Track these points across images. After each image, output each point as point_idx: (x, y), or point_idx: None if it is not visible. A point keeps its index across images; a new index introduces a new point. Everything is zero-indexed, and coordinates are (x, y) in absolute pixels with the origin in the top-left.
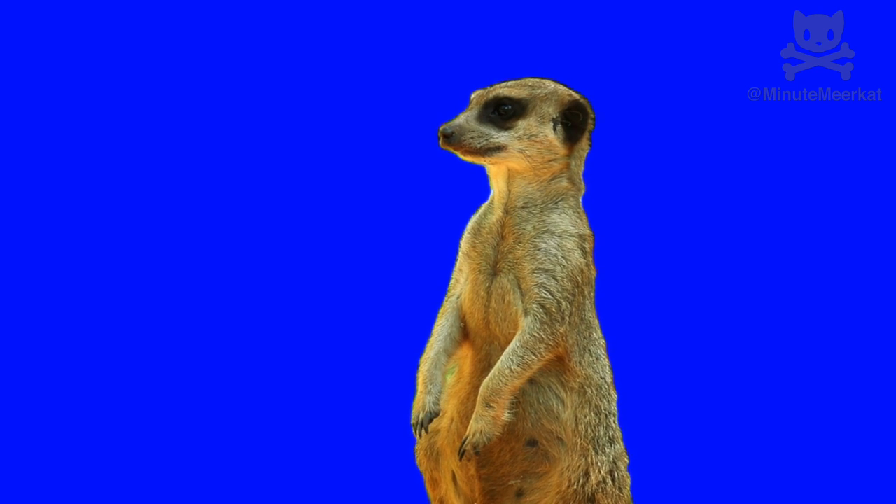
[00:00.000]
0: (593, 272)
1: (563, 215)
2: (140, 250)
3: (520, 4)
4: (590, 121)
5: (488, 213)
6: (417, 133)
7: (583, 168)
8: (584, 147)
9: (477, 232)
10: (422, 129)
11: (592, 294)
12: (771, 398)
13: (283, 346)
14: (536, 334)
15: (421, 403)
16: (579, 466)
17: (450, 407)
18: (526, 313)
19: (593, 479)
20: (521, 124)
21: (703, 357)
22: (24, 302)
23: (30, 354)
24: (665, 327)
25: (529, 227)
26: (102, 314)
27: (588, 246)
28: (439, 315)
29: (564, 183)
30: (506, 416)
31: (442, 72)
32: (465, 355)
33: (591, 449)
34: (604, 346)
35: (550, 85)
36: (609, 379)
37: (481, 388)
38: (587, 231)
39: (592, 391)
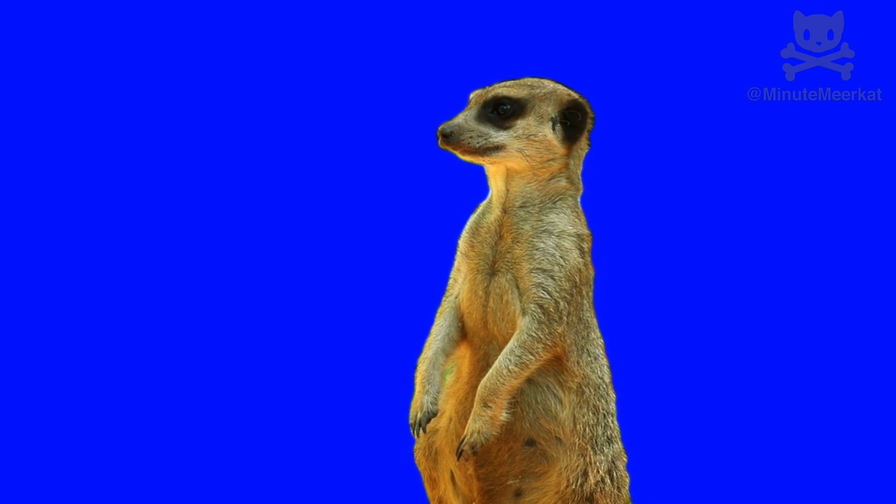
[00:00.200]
0: (591, 272)
1: (562, 215)
2: (139, 250)
3: (520, 4)
4: (588, 120)
5: (486, 213)
6: (417, 133)
7: (581, 168)
8: (582, 147)
9: (475, 231)
10: (421, 128)
11: (591, 294)
12: (770, 397)
13: (282, 346)
14: (534, 334)
15: (419, 403)
16: (577, 466)
17: (448, 406)
18: (524, 313)
19: (592, 479)
20: (520, 124)
21: (702, 357)
22: (24, 302)
23: (29, 354)
24: (664, 327)
25: (528, 227)
26: (102, 314)
27: (586, 246)
28: (438, 315)
29: (563, 182)
30: (503, 415)
31: (442, 72)
32: (464, 355)
33: (589, 449)
34: (602, 345)
35: (549, 84)
36: (607, 379)
37: (479, 387)
38: (585, 231)
39: (590, 391)
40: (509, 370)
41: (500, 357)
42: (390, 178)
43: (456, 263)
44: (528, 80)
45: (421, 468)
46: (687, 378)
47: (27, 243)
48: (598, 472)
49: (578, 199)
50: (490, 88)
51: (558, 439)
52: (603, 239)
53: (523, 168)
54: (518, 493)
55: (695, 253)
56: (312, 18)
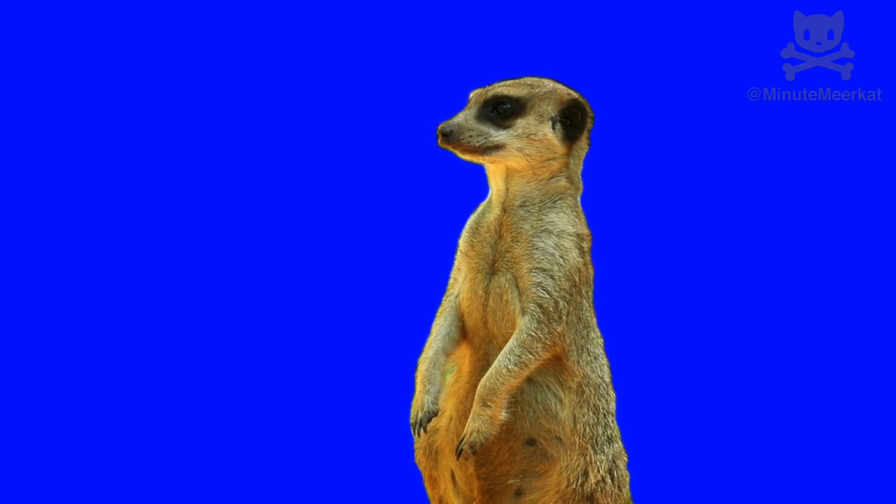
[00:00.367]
0: (591, 271)
1: (562, 214)
2: (138, 249)
3: (520, 4)
4: (588, 120)
5: (486, 212)
6: (417, 132)
7: (581, 167)
8: (582, 146)
9: (475, 231)
10: (422, 128)
11: (590, 293)
12: (770, 396)
13: (282, 346)
14: (533, 333)
15: (419, 402)
16: (578, 466)
17: (449, 406)
18: (523, 312)
19: (592, 478)
20: (520, 123)
21: (702, 356)
22: (24, 302)
23: (29, 354)
24: (664, 327)
25: (527, 226)
26: (102, 314)
27: (586, 245)
28: (438, 314)
29: (563, 182)
30: (503, 415)
31: (442, 72)
32: (464, 354)
33: (589, 448)
34: (602, 345)
35: (549, 84)
36: (607, 378)
37: (478, 387)
38: (585, 230)
39: (590, 390)
40: (508, 370)
41: (500, 357)
42: (391, 177)
43: (456, 263)
44: (528, 80)
45: (421, 467)
46: (687, 377)
47: (27, 243)
48: (598, 471)
49: (578, 199)
50: (490, 87)
51: (558, 439)
52: (603, 239)
53: (523, 167)
54: (519, 493)
55: (695, 253)
56: (312, 18)
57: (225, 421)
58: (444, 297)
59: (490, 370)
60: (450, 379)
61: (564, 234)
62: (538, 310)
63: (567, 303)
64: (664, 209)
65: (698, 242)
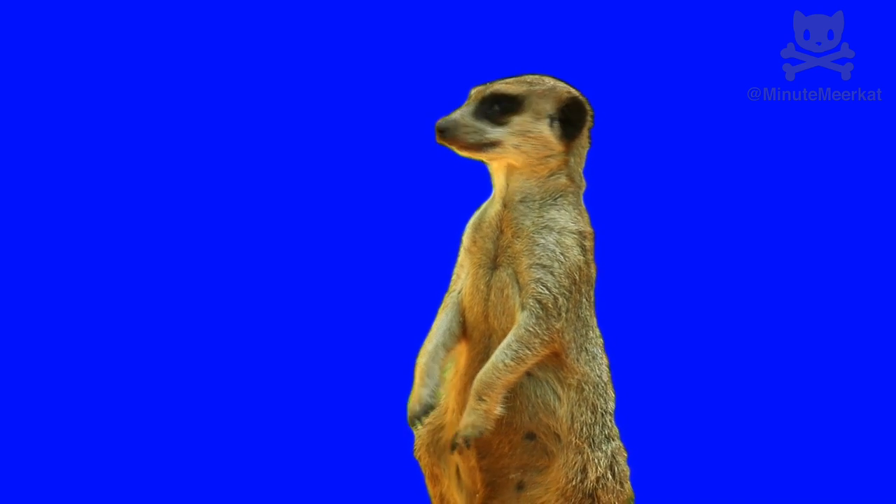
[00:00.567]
0: (593, 270)
1: (563, 212)
2: (138, 249)
3: (520, 4)
4: (588, 118)
5: (489, 208)
6: (418, 130)
7: (583, 165)
8: (583, 144)
9: (478, 226)
10: (423, 126)
11: (591, 292)
12: (770, 395)
13: (283, 343)
14: (531, 329)
15: (417, 396)
16: (576, 463)
17: (450, 400)
18: (522, 308)
19: (592, 475)
20: (516, 120)
21: (702, 356)
22: (24, 302)
23: (29, 354)
24: (664, 326)
25: (528, 223)
26: (102, 314)
27: (588, 244)
28: (440, 310)
29: (563, 180)
30: (498, 410)
31: (442, 71)
32: (462, 349)
33: (586, 447)
34: (601, 344)
35: (549, 82)
36: (606, 377)
37: (475, 381)
38: (588, 229)
39: (589, 389)
40: (505, 364)
41: (497, 351)
42: (392, 175)
43: (459, 259)
44: (528, 77)
45: (423, 464)
46: (687, 377)
47: (26, 243)
48: (598, 468)
49: (580, 197)
50: (489, 85)
51: (556, 436)
52: (603, 238)
53: (522, 164)
54: (520, 486)
55: (695, 252)
56: (312, 18)
57: (225, 418)
58: (447, 294)
59: (487, 364)
60: (450, 373)
61: (566, 231)
62: (537, 306)
63: (566, 300)
64: (664, 209)
65: (698, 242)
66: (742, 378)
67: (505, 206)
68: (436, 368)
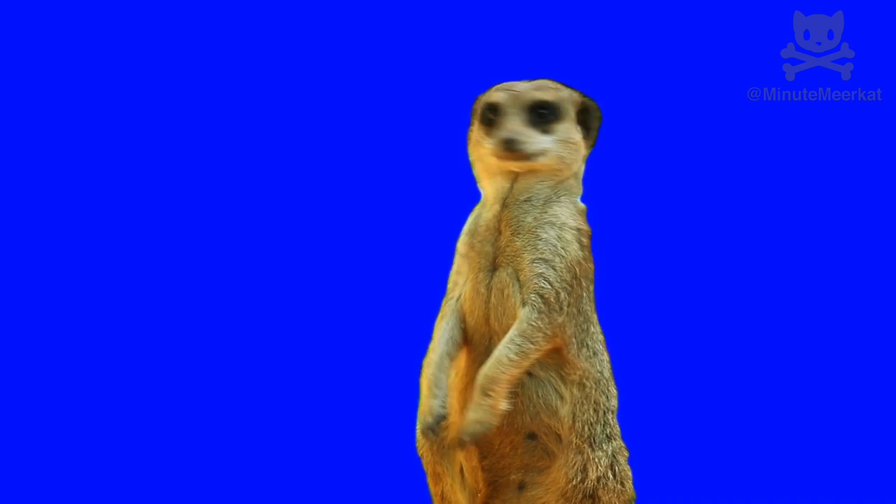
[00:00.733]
0: (591, 266)
1: (564, 208)
2: (138, 249)
3: (520, 4)
4: (598, 120)
5: (483, 212)
6: (418, 132)
7: (583, 169)
8: (589, 146)
9: (473, 232)
10: (423, 127)
11: (591, 288)
12: (770, 393)
13: (282, 347)
14: (534, 323)
15: (428, 407)
16: (576, 463)
17: (451, 399)
18: (524, 303)
19: (592, 475)
20: (560, 128)
21: (702, 355)
22: (24, 303)
23: (29, 354)
24: (664, 326)
25: (530, 219)
26: (102, 314)
27: (585, 240)
28: (439, 319)
29: (571, 180)
30: (503, 404)
31: (442, 73)
32: (464, 352)
33: (586, 446)
34: (602, 341)
35: (562, 86)
36: (607, 374)
37: (479, 376)
38: (585, 227)
39: (591, 385)
40: (509, 359)
41: (500, 346)
42: (391, 178)
43: (455, 266)
44: (547, 83)
45: (425, 462)
46: (687, 376)
47: (26, 243)
48: (598, 468)
49: (580, 195)
50: (521, 92)
51: (557, 436)
52: (603, 238)
53: (550, 170)
54: (521, 486)
55: (695, 252)
56: (313, 18)
57: (226, 421)
58: (444, 301)
59: (490, 360)
60: (452, 377)
61: (566, 226)
62: (539, 300)
63: (568, 294)
64: (664, 209)
65: (698, 241)
66: (742, 378)
67: (505, 206)
68: (443, 378)
